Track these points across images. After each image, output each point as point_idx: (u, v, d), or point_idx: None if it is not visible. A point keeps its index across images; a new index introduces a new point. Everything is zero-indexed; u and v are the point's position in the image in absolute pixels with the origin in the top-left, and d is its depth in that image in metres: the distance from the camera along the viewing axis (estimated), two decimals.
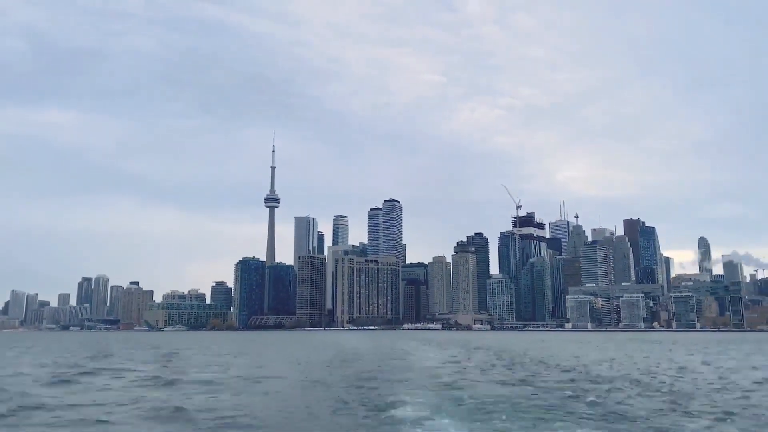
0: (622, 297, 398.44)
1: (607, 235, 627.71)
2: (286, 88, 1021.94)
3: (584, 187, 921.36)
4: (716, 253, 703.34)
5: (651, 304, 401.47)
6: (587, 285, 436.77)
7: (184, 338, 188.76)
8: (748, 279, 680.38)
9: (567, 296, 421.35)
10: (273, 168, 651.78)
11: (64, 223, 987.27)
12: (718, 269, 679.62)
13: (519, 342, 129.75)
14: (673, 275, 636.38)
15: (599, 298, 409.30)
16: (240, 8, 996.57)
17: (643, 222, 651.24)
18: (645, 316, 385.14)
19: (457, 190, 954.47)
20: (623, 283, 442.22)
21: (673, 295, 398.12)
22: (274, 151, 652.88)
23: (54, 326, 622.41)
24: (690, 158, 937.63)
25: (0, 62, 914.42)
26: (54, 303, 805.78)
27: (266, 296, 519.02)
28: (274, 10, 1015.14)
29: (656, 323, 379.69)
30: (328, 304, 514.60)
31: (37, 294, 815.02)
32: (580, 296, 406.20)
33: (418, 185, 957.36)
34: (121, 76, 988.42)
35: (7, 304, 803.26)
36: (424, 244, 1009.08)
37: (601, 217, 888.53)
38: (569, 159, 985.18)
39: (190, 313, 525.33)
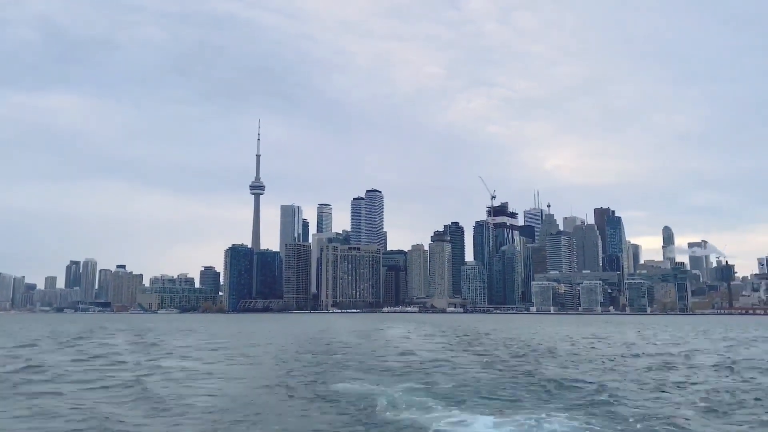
0: (582, 283, 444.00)
1: (578, 223, 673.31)
2: (290, 79, 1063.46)
3: (570, 176, 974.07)
4: (694, 239, 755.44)
5: (610, 290, 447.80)
6: (551, 272, 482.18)
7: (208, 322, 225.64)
8: (714, 264, 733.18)
9: (533, 282, 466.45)
10: (258, 156, 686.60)
11: (53, 207, 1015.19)
12: (684, 256, 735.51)
13: (470, 321, 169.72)
14: (642, 261, 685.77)
15: (562, 284, 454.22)
16: (252, 4, 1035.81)
17: (613, 211, 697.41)
18: (602, 300, 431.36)
19: (444, 178, 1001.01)
20: (584, 271, 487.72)
21: (627, 282, 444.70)
22: (259, 139, 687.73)
23: (48, 308, 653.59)
24: (673, 149, 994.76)
25: (10, 51, 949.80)
26: (41, 286, 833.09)
27: (254, 281, 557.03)
28: (286, 6, 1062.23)
29: (612, 307, 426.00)
30: (313, 289, 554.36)
31: (23, 277, 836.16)
32: (544, 282, 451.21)
33: (407, 173, 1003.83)
34: (129, 65, 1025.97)
35: None
36: (409, 229, 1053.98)
37: (587, 203, 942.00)
38: (558, 149, 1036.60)
39: (181, 296, 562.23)
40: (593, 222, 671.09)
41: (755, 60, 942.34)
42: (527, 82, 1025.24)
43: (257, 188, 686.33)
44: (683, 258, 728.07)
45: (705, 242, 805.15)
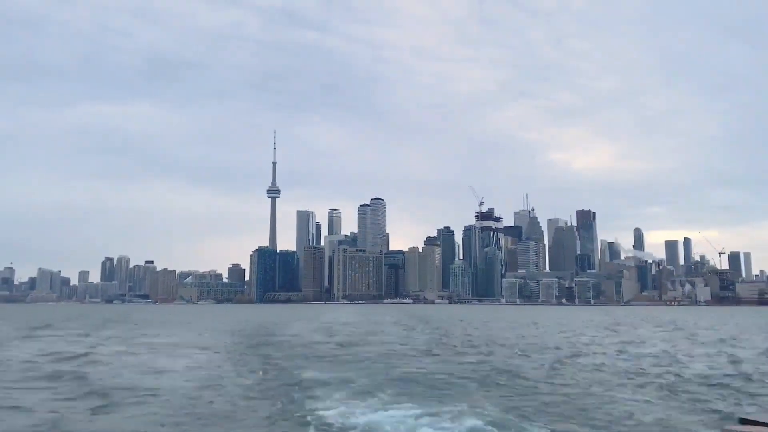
0: (542, 280, 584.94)
1: (560, 224, 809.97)
2: (355, 93, 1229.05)
3: (596, 175, 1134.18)
4: (712, 234, 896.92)
5: (567, 285, 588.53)
6: (520, 271, 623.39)
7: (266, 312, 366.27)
8: (697, 258, 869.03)
9: (503, 279, 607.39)
10: (274, 164, 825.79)
11: (94, 204, 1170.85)
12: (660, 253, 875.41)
13: (429, 309, 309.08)
14: (623, 257, 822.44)
15: (527, 281, 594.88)
16: (336, 34, 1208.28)
17: (594, 213, 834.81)
18: (557, 294, 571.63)
19: (471, 179, 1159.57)
20: (545, 270, 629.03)
21: (576, 279, 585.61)
22: (275, 148, 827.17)
23: (98, 300, 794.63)
24: (696, 151, 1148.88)
25: (111, 72, 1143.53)
26: (74, 280, 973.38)
27: (277, 277, 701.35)
28: (366, 36, 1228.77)
29: (564, 299, 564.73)
30: (326, 283, 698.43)
31: (59, 271, 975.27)
32: (512, 279, 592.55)
33: (437, 173, 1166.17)
34: (213, 83, 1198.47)
35: (33, 279, 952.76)
36: (429, 224, 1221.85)
37: (609, 200, 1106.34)
38: (588, 151, 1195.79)
39: (215, 290, 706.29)
40: (575, 223, 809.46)
41: None
42: (568, 94, 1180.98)
43: (274, 192, 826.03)
44: (660, 254, 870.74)
45: (688, 239, 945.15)
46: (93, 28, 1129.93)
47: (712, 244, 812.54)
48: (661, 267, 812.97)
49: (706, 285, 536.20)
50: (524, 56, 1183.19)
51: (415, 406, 25.36)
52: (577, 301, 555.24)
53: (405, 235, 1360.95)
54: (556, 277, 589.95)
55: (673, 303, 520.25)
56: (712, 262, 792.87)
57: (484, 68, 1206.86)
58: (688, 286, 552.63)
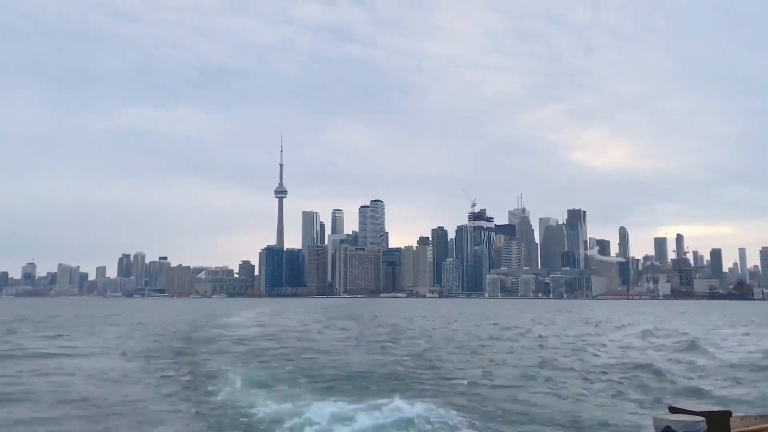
0: (521, 276, 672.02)
1: (551, 223, 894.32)
2: (387, 99, 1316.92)
3: (615, 173, 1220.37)
4: (724, 229, 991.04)
5: (544, 281, 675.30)
6: (502, 268, 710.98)
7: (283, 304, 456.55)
8: (690, 255, 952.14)
9: (486, 275, 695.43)
10: (281, 165, 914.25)
11: (107, 202, 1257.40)
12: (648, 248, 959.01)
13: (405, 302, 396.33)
14: (612, 254, 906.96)
15: (509, 277, 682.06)
16: (380, 47, 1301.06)
17: (584, 212, 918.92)
18: (534, 289, 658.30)
19: (486, 176, 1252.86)
20: (528, 267, 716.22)
21: (551, 276, 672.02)
22: (282, 151, 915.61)
23: (119, 294, 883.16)
24: (710, 151, 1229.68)
25: (160, 80, 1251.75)
26: (92, 275, 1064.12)
27: (284, 273, 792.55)
28: (408, 49, 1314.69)
29: (540, 294, 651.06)
30: (329, 279, 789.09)
31: (78, 267, 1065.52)
32: (494, 276, 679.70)
33: (454, 171, 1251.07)
34: (255, 90, 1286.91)
35: (53, 275, 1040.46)
36: (437, 220, 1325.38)
37: (626, 197, 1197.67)
38: (607, 151, 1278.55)
39: (227, 285, 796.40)
40: (565, 222, 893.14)
41: None
42: (590, 98, 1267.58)
43: (281, 193, 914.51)
44: (650, 250, 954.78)
45: (680, 235, 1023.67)
46: (150, 42, 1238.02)
47: (677, 243, 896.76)
48: (648, 263, 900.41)
49: (667, 281, 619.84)
50: (552, 63, 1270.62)
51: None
52: (551, 295, 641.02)
53: (410, 232, 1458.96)
54: (534, 274, 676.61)
55: (635, 297, 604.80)
56: (705, 259, 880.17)
57: (510, 75, 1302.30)
58: (652, 282, 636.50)
